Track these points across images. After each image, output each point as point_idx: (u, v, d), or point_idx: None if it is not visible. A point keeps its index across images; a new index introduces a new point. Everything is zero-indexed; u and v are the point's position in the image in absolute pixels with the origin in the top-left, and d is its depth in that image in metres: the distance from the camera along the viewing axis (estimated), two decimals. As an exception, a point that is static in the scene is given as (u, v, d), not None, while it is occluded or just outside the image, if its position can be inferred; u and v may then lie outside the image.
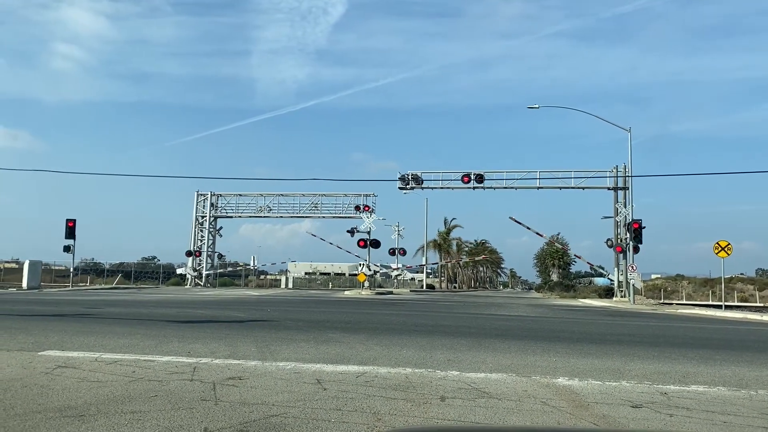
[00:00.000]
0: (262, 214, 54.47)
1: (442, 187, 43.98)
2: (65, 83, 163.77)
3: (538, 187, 42.65)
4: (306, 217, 56.29)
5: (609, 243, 39.60)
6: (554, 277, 72.48)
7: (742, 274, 66.62)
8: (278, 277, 69.98)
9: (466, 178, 42.16)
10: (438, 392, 5.31)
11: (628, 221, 36.22)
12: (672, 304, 38.47)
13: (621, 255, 37.96)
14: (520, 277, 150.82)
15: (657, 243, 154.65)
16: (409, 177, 43.06)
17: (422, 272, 74.23)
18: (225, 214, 55.00)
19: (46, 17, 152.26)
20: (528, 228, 44.59)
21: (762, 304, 49.60)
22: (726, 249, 27.52)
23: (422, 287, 67.32)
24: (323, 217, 53.80)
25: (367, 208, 47.33)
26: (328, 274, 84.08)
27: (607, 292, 44.26)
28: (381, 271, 61.59)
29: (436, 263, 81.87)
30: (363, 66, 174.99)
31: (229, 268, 65.10)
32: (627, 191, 38.50)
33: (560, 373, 6.53)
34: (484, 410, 4.67)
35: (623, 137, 36.37)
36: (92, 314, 14.09)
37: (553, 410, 4.73)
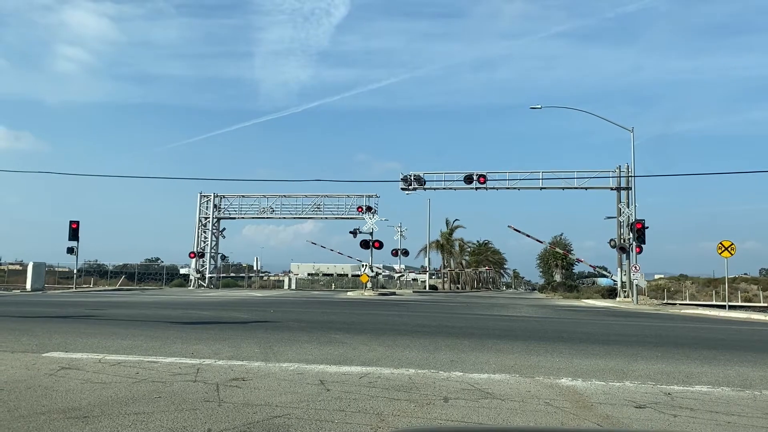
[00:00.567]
0: (265, 215, 54.55)
1: (444, 188, 43.99)
2: (69, 85, 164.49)
3: (541, 188, 42.59)
4: (308, 218, 56.39)
5: (612, 243, 39.53)
6: (557, 277, 72.31)
7: (745, 274, 66.38)
8: (281, 278, 70.02)
9: (468, 179, 42.14)
10: (441, 393, 5.30)
11: (631, 221, 36.15)
12: (675, 304, 38.40)
13: (624, 255, 37.89)
14: (523, 277, 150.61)
15: (660, 243, 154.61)
16: (412, 178, 43.06)
17: (425, 273, 74.18)
18: (228, 216, 55.08)
19: (50, 19, 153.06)
20: (528, 236, 44.69)
21: (766, 304, 49.44)
22: (729, 249, 27.44)
23: (425, 288, 67.29)
24: (326, 218, 53.85)
25: (369, 209, 47.33)
26: (331, 275, 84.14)
27: (611, 293, 44.17)
28: (384, 273, 61.62)
29: (439, 265, 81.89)
30: (366, 67, 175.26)
31: (232, 270, 65.20)
32: (630, 191, 38.43)
33: (564, 374, 6.52)
34: (488, 411, 4.67)
35: (626, 137, 36.34)
36: (96, 316, 14.11)
37: (556, 411, 4.73)
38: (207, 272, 53.10)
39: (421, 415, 4.51)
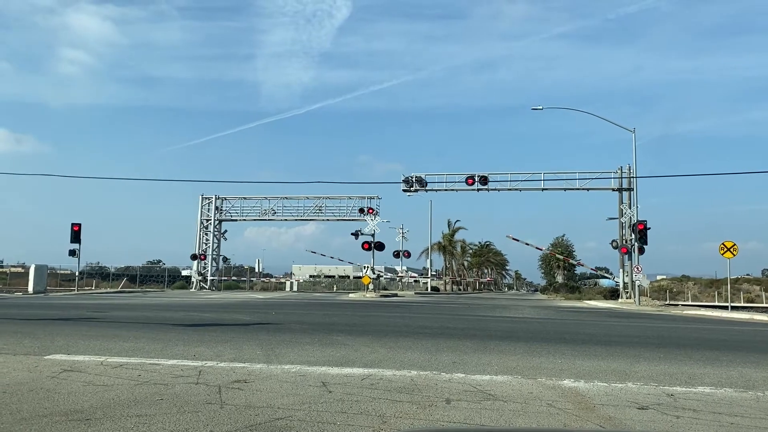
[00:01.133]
0: (267, 217, 54.58)
1: (446, 189, 43.99)
2: (71, 87, 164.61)
3: (543, 189, 42.58)
4: (310, 219, 56.37)
5: (614, 244, 39.49)
6: (559, 278, 72.30)
7: (748, 274, 66.20)
8: (283, 280, 70.03)
9: (470, 180, 42.13)
10: (443, 395, 5.30)
11: (633, 222, 36.11)
12: (678, 305, 38.34)
13: (626, 256, 37.83)
14: (525, 278, 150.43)
15: (662, 244, 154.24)
16: (413, 179, 43.06)
17: (427, 274, 74.17)
18: (230, 218, 55.09)
19: (53, 22, 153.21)
20: (527, 243, 44.72)
21: (768, 305, 49.34)
22: (732, 249, 27.39)
23: (427, 289, 67.21)
24: (327, 219, 53.84)
25: (371, 211, 47.31)
26: (333, 277, 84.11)
27: (613, 294, 44.11)
28: (386, 276, 61.60)
29: (441, 267, 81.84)
30: (368, 68, 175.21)
31: (234, 272, 65.24)
32: (632, 192, 38.40)
33: (566, 375, 6.51)
34: (490, 412, 4.66)
35: (627, 138, 36.43)
36: (98, 318, 14.12)
37: (559, 412, 4.72)
38: (209, 274, 53.12)
39: (423, 416, 4.50)
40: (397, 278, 67.66)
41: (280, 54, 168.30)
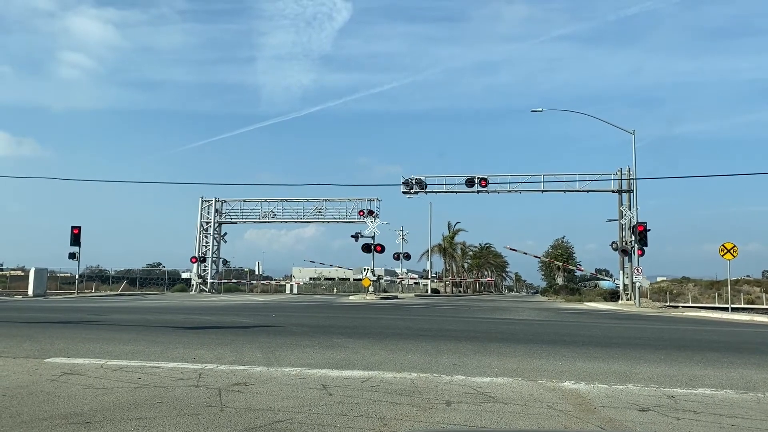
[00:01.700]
0: (267, 220, 54.59)
1: (446, 192, 44.02)
2: (72, 91, 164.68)
3: (543, 191, 42.63)
4: (310, 222, 56.38)
5: (614, 246, 39.48)
6: (559, 280, 72.26)
7: (748, 276, 66.21)
8: (283, 283, 70.04)
9: (470, 182, 42.16)
10: (444, 397, 5.29)
11: (632, 224, 36.12)
12: (678, 306, 38.31)
13: (626, 258, 37.84)
14: (525, 280, 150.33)
15: (662, 245, 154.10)
16: (413, 181, 43.08)
17: (427, 277, 74.14)
18: (229, 220, 55.11)
19: (54, 26, 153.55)
20: (524, 253, 44.86)
21: (769, 306, 49.32)
22: (732, 251, 27.39)
23: (427, 291, 67.20)
24: (327, 222, 53.88)
25: (371, 213, 47.33)
26: (333, 279, 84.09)
27: (613, 296, 44.09)
28: (386, 278, 61.57)
29: (441, 269, 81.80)
30: (368, 71, 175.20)
31: (234, 274, 65.22)
32: (631, 194, 38.42)
33: (566, 377, 6.50)
34: (490, 414, 4.66)
35: (627, 140, 36.42)
36: (97, 321, 14.12)
37: (559, 414, 4.72)
38: (208, 277, 53.10)
39: (423, 419, 4.50)
40: (397, 280, 67.60)
41: (281, 57, 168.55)
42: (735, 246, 27.46)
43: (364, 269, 43.71)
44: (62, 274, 56.11)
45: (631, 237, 36.32)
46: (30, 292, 36.72)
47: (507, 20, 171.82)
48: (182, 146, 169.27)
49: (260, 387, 5.60)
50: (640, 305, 33.09)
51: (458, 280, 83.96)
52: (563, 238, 75.77)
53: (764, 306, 50.25)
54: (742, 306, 48.32)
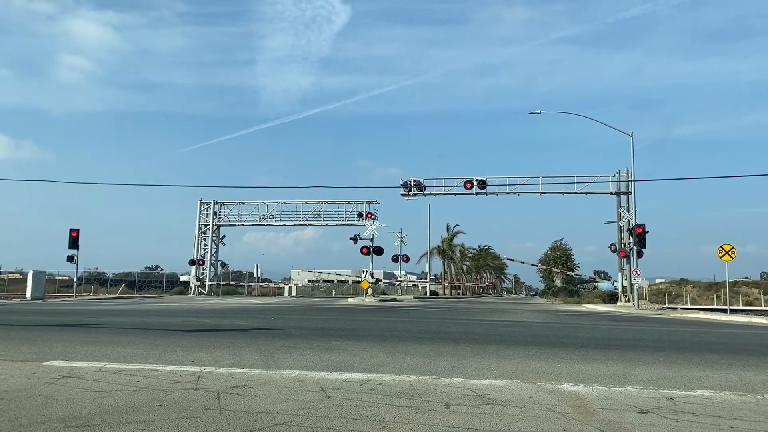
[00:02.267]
0: (265, 222, 54.58)
1: (444, 194, 44.06)
2: (72, 94, 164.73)
3: (541, 193, 42.68)
4: (309, 224, 56.44)
5: (612, 248, 39.53)
6: (558, 282, 72.29)
7: (746, 277, 66.32)
8: (281, 285, 69.97)
9: (468, 184, 42.20)
10: (443, 399, 5.29)
11: (631, 226, 36.17)
12: (676, 308, 38.34)
13: (625, 260, 37.87)
14: (523, 282, 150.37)
15: (661, 247, 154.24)
16: (412, 183, 43.12)
17: (426, 279, 74.13)
18: (228, 223, 55.10)
19: (53, 29, 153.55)
20: (522, 262, 45.03)
21: (767, 308, 49.36)
22: (730, 253, 27.43)
23: (426, 294, 67.19)
24: (326, 224, 53.92)
25: (369, 216, 47.34)
26: (332, 281, 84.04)
27: (611, 297, 44.13)
28: (384, 280, 61.54)
29: (440, 271, 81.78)
30: (367, 73, 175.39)
31: (233, 277, 65.17)
32: (630, 196, 38.47)
33: (565, 379, 6.50)
34: (490, 417, 4.66)
35: (626, 141, 36.43)
36: (96, 324, 14.09)
37: (558, 416, 4.71)
38: (207, 280, 53.05)
39: (422, 421, 4.49)
40: (396, 282, 67.59)
41: (280, 59, 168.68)
42: (733, 248, 27.51)
43: (363, 272, 43.71)
44: (60, 277, 56.05)
45: (629, 239, 36.36)
46: (28, 295, 36.66)
47: (507, 23, 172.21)
48: (181, 149, 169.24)
49: (259, 390, 5.59)
50: (638, 307, 33.11)
51: (457, 282, 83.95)
52: (562, 240, 75.85)
53: (763, 307, 50.31)
54: (741, 308, 48.38)
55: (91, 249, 64.83)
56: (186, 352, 8.39)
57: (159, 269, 76.10)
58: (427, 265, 74.33)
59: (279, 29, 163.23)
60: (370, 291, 42.19)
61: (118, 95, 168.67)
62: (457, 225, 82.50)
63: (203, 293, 51.71)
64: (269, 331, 12.55)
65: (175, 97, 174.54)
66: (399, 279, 66.84)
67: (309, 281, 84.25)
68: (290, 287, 65.41)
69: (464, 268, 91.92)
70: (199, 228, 53.72)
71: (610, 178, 41.25)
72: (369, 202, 50.62)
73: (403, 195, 43.31)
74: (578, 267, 71.83)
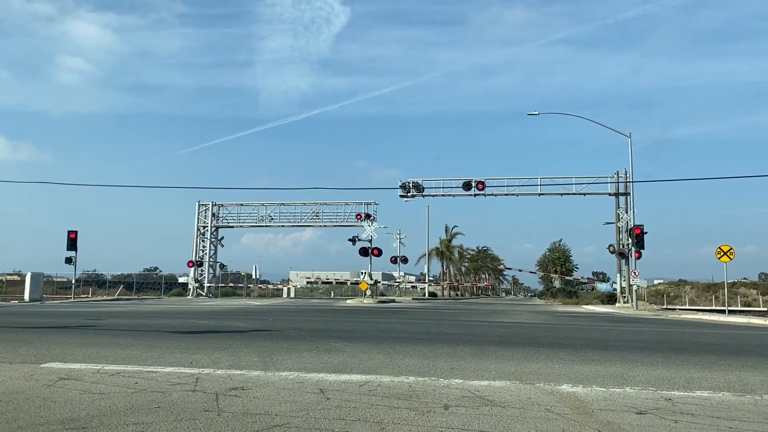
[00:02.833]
0: (264, 224, 54.53)
1: (443, 195, 44.08)
2: (71, 95, 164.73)
3: (540, 194, 42.72)
4: (307, 226, 56.42)
5: (611, 249, 39.57)
6: (556, 284, 72.35)
7: (745, 278, 66.46)
8: (280, 287, 69.93)
9: (467, 186, 42.22)
10: (441, 401, 5.29)
11: (629, 227, 36.20)
12: (675, 309, 38.38)
13: (623, 261, 37.90)
14: (522, 283, 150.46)
15: (660, 248, 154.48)
16: (410, 185, 43.13)
17: (424, 280, 74.13)
18: (226, 224, 55.06)
19: (53, 30, 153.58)
20: (519, 270, 45.01)
21: (765, 309, 49.42)
22: (728, 254, 27.46)
23: (424, 295, 67.19)
24: (325, 225, 53.91)
25: (368, 217, 47.33)
26: (330, 282, 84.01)
27: (610, 298, 44.15)
28: (383, 282, 61.51)
29: (439, 272, 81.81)
30: (366, 75, 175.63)
31: (231, 279, 65.11)
32: (628, 197, 38.50)
33: (564, 380, 6.50)
34: (488, 418, 4.66)
35: (624, 143, 36.48)
36: (94, 326, 14.07)
37: (557, 417, 4.71)
38: (205, 281, 53.00)
39: (421, 423, 4.49)
40: (395, 284, 67.56)
41: (279, 61, 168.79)
42: (732, 249, 27.54)
43: (362, 273, 43.70)
44: (59, 279, 55.98)
45: (628, 240, 36.39)
46: (26, 297, 36.61)
47: (506, 24, 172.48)
48: (180, 150, 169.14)
49: (257, 391, 5.59)
50: (637, 308, 33.13)
51: (456, 283, 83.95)
52: (560, 241, 75.92)
53: (761, 308, 50.36)
54: (739, 308, 48.46)
55: (89, 251, 64.61)
56: (184, 353, 8.38)
57: (157, 271, 75.99)
58: (425, 267, 74.39)
59: (278, 30, 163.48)
60: (368, 292, 42.16)
61: (117, 97, 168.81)
62: (455, 226, 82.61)
63: (202, 295, 51.65)
64: (268, 332, 12.53)
65: (174, 99, 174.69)
66: (398, 280, 66.84)
67: (308, 282, 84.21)
68: (289, 289, 65.37)
69: (463, 269, 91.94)
70: (198, 229, 53.67)
71: (609, 179, 41.30)
72: (368, 204, 50.65)
73: (401, 196, 43.31)
74: (577, 268, 71.96)
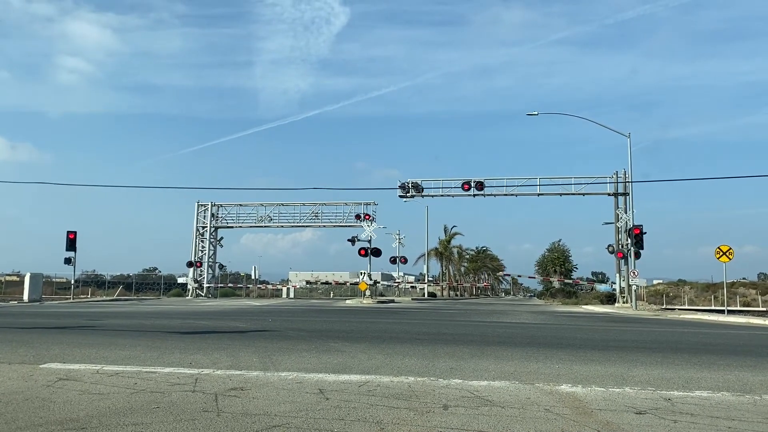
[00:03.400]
0: (263, 224, 54.51)
1: (442, 195, 44.03)
2: (70, 96, 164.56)
3: (539, 194, 42.69)
4: (307, 226, 56.40)
5: (610, 249, 39.56)
6: (556, 284, 72.37)
7: (744, 278, 66.51)
8: (279, 287, 69.86)
9: (466, 186, 42.19)
10: (441, 401, 5.29)
11: (629, 227, 36.21)
12: (674, 309, 38.37)
13: (622, 261, 37.90)
14: (521, 284, 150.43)
15: (659, 248, 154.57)
16: (410, 185, 43.11)
17: (424, 280, 74.12)
18: (226, 225, 55.03)
19: (52, 31, 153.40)
20: (519, 276, 45.09)
21: (765, 309, 49.44)
22: (728, 254, 27.47)
23: (424, 295, 67.16)
24: (324, 226, 53.85)
25: (367, 217, 47.32)
26: (330, 283, 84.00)
27: (609, 299, 44.18)
28: (382, 282, 61.52)
29: (438, 272, 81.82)
30: (366, 75, 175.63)
31: (230, 279, 65.09)
32: (627, 197, 38.51)
33: (563, 380, 6.51)
34: (488, 418, 4.66)
35: (624, 143, 36.47)
36: (93, 326, 14.06)
37: (556, 417, 4.72)
38: (205, 282, 52.96)
39: (420, 423, 4.49)
40: (394, 284, 67.54)
41: (279, 61, 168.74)
42: (731, 249, 27.55)
43: (361, 273, 43.68)
44: (58, 279, 55.93)
45: (627, 240, 36.39)
46: (25, 297, 36.58)
47: (505, 24, 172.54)
48: (180, 150, 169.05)
49: (257, 392, 5.59)
50: (636, 308, 33.14)
51: (455, 283, 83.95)
52: (560, 241, 76.04)
53: (760, 308, 50.37)
54: (738, 308, 48.46)
55: (88, 251, 64.78)
56: (184, 354, 8.37)
57: (156, 271, 75.86)
58: (425, 267, 74.36)
59: (278, 31, 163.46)
60: (368, 293, 42.14)
61: (117, 97, 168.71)
62: (454, 226, 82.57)
63: (201, 295, 51.63)
64: (267, 333, 12.53)
65: (174, 99, 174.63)
66: (397, 280, 66.83)
67: (307, 283, 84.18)
68: (288, 289, 65.28)
69: (462, 269, 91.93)
70: (197, 230, 53.65)
71: (608, 180, 41.28)
72: (367, 204, 50.64)
73: (401, 196, 43.28)
74: (576, 268, 72.00)
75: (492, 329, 15.21)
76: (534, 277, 51.22)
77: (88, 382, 6.04)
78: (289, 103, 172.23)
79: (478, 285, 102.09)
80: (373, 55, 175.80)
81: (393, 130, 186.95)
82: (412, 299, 54.90)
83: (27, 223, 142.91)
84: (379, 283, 54.60)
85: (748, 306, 52.45)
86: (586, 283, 75.13)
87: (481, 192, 42.25)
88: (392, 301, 44.08)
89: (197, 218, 53.87)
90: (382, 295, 56.01)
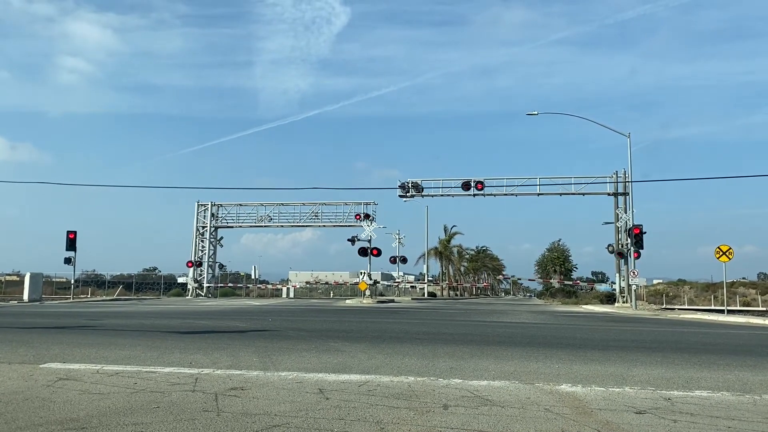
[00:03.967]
0: (263, 224, 54.50)
1: (442, 195, 44.02)
2: (71, 96, 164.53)
3: (539, 194, 42.69)
4: (307, 226, 56.40)
5: (610, 249, 39.55)
6: (556, 284, 72.37)
7: (744, 278, 66.52)
8: (279, 287, 69.87)
9: (466, 186, 42.18)
10: (441, 400, 5.29)
11: (628, 227, 36.20)
12: (674, 309, 38.36)
13: (622, 261, 37.90)
14: (521, 284, 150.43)
15: (659, 248, 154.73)
16: (410, 185, 43.10)
17: (424, 280, 74.12)
18: (226, 224, 55.02)
19: (53, 31, 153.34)
20: (519, 279, 45.07)
21: (764, 308, 49.45)
22: (727, 253, 27.48)
23: (424, 295, 67.15)
24: (324, 226, 53.86)
25: (367, 217, 47.31)
26: (329, 283, 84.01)
27: (609, 298, 44.19)
28: (382, 282, 61.51)
29: (438, 272, 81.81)
30: (366, 75, 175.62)
31: (230, 279, 65.10)
32: (627, 197, 38.51)
33: (563, 380, 6.51)
34: (488, 418, 4.66)
35: (623, 143, 36.47)
36: (93, 326, 14.06)
37: (556, 417, 4.72)
38: (205, 281, 52.96)
39: (420, 422, 4.49)
40: (394, 284, 67.55)
41: (279, 61, 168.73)
42: (731, 248, 27.56)
43: (361, 273, 43.68)
44: (58, 279, 55.92)
45: (627, 240, 36.39)
46: (25, 297, 36.57)
47: (506, 24, 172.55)
48: (180, 150, 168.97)
49: (257, 391, 5.59)
50: (636, 308, 33.14)
51: (455, 283, 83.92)
52: (559, 240, 76.05)
53: (760, 308, 50.37)
54: (738, 308, 48.45)
55: (88, 251, 64.80)
56: (184, 353, 8.37)
57: (156, 271, 75.86)
58: (425, 267, 74.35)
59: (278, 31, 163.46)
60: (368, 292, 42.13)
61: (117, 97, 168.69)
62: (454, 226, 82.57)
63: (201, 295, 51.61)
64: (267, 332, 12.53)
65: (174, 99, 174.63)
66: (397, 280, 66.83)
67: (307, 283, 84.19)
68: (288, 289, 65.27)
69: (462, 269, 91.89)
70: (197, 229, 53.64)
71: (608, 179, 41.27)
72: (367, 204, 50.60)
73: (400, 196, 43.27)
74: (576, 268, 72.00)
75: (492, 329, 15.21)
76: (533, 279, 51.42)
77: (88, 381, 6.04)
78: (289, 103, 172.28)
79: (477, 285, 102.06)
80: (373, 55, 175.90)
81: (393, 130, 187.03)
82: (412, 299, 54.89)
83: (27, 223, 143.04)
84: (379, 282, 54.59)
85: (747, 306, 52.44)
86: (585, 282, 75.11)
87: (481, 192, 42.24)
88: (392, 301, 44.08)
89: (197, 218, 53.86)
90: (382, 294, 56.01)
